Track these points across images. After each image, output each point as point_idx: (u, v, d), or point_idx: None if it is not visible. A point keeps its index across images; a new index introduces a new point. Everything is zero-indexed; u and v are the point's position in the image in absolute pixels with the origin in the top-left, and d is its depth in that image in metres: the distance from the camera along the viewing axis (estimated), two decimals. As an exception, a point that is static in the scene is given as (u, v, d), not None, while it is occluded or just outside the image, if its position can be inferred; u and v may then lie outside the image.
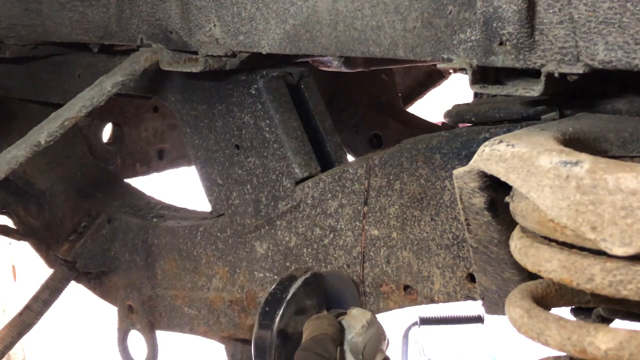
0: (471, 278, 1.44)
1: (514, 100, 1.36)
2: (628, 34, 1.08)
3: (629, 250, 0.90)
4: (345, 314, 1.49)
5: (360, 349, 1.44)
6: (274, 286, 1.52)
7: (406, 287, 1.54)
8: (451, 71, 2.47)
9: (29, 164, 1.67)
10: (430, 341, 4.62)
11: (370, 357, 1.45)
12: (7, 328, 2.15)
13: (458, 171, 1.14)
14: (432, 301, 1.53)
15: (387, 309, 1.61)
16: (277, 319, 1.46)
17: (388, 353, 1.46)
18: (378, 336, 1.47)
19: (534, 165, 1.01)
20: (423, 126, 2.53)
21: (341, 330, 1.45)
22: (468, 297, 1.47)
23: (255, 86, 1.69)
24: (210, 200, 1.85)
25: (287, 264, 1.72)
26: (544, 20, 1.16)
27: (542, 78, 1.17)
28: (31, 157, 1.62)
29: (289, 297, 1.47)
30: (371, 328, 1.46)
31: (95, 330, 4.75)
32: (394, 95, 2.68)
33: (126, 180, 2.33)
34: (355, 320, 1.47)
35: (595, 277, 0.93)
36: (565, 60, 1.15)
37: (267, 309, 1.48)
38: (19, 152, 1.61)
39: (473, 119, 1.43)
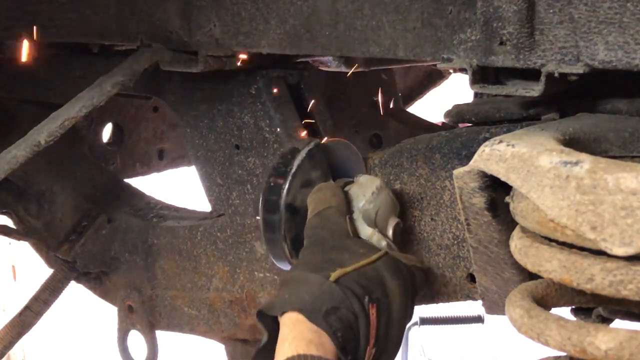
0: (471, 278, 1.44)
1: (514, 100, 1.36)
2: (628, 34, 1.08)
3: (629, 250, 0.90)
4: (352, 182, 1.44)
5: (372, 216, 1.39)
6: (277, 160, 1.46)
7: (406, 287, 1.54)
8: (451, 71, 2.47)
9: (29, 164, 1.67)
10: (430, 341, 4.62)
11: (383, 223, 1.40)
12: (7, 328, 2.15)
13: (458, 171, 1.14)
14: (432, 301, 1.53)
15: (387, 309, 1.61)
16: (284, 193, 1.41)
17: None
18: (389, 201, 1.42)
19: (534, 165, 1.01)
20: (423, 126, 2.52)
21: (348, 199, 1.40)
22: (468, 297, 1.47)
23: (255, 86, 1.69)
24: (210, 200, 1.85)
25: (287, 264, 1.72)
26: (544, 20, 1.16)
27: (542, 78, 1.17)
28: (31, 157, 1.62)
29: (293, 170, 1.42)
30: (381, 194, 1.41)
31: (95, 330, 4.75)
32: (394, 95, 2.67)
33: (126, 180, 2.32)
34: (364, 187, 1.41)
35: (596, 277, 0.93)
36: (565, 60, 1.15)
37: (272, 184, 1.43)
38: (19, 152, 1.61)
39: (473, 119, 1.43)
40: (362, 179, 1.44)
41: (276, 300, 1.23)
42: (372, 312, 1.21)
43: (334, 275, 1.22)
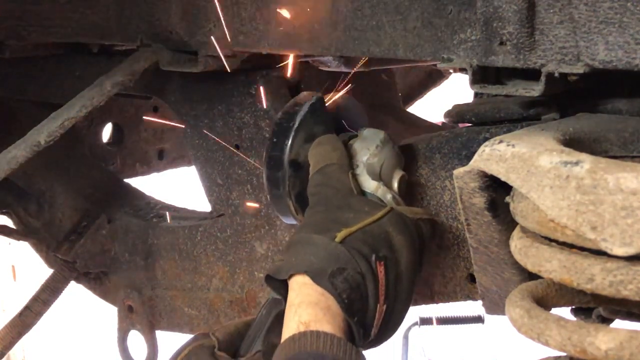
0: (471, 278, 1.44)
1: (514, 100, 1.36)
2: (628, 34, 1.08)
3: (630, 250, 0.90)
4: (356, 136, 1.43)
5: (377, 170, 1.37)
6: (279, 116, 1.44)
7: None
8: (451, 71, 2.47)
9: (29, 164, 1.67)
10: (430, 341, 4.63)
11: (388, 176, 1.39)
12: (7, 328, 2.15)
13: (458, 171, 1.14)
14: (432, 301, 1.53)
15: (387, 309, 1.60)
16: (287, 149, 1.40)
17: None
18: (394, 154, 1.40)
19: (534, 165, 1.01)
20: (423, 126, 2.52)
21: (353, 153, 1.38)
22: (468, 297, 1.47)
23: (255, 86, 1.69)
24: (210, 200, 1.85)
25: (287, 264, 1.72)
26: (544, 20, 1.16)
27: (543, 78, 1.17)
28: (31, 157, 1.62)
29: (296, 125, 1.40)
30: (386, 146, 1.39)
31: (95, 330, 4.75)
32: (394, 95, 2.67)
33: (126, 180, 2.32)
34: (368, 141, 1.40)
35: (596, 277, 0.93)
36: (565, 60, 1.15)
37: (275, 140, 1.41)
38: (19, 152, 1.61)
39: (473, 119, 1.43)
40: (366, 132, 1.42)
41: (283, 264, 1.22)
42: (380, 270, 1.20)
43: (339, 236, 1.21)
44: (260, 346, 1.23)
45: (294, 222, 1.46)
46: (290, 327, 1.12)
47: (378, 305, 1.19)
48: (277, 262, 1.24)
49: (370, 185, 1.36)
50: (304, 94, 1.47)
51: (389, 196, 1.36)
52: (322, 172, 1.35)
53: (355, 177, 1.36)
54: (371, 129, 1.44)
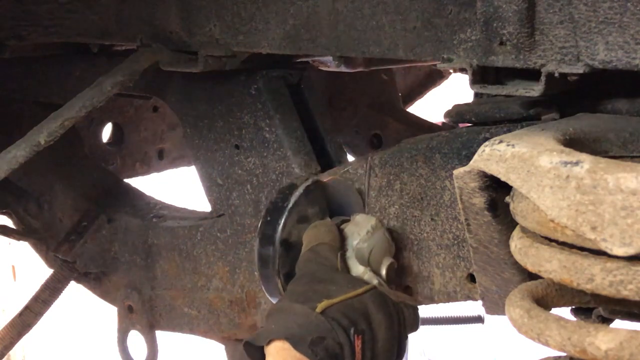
0: (471, 278, 1.44)
1: (514, 100, 1.36)
2: (628, 34, 1.08)
3: (629, 251, 0.90)
4: (349, 221, 1.45)
5: (366, 255, 1.39)
6: (274, 195, 1.48)
7: (406, 288, 1.54)
8: (451, 71, 2.47)
9: (29, 164, 1.67)
10: (430, 341, 4.63)
11: (377, 263, 1.40)
12: (7, 328, 2.14)
13: (458, 171, 1.14)
14: (432, 301, 1.53)
15: (387, 309, 1.60)
16: (280, 229, 1.43)
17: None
18: (384, 241, 1.43)
19: (534, 165, 1.01)
20: (423, 126, 2.52)
21: (343, 237, 1.41)
22: (468, 297, 1.47)
23: (255, 86, 1.69)
24: (210, 200, 1.85)
25: (287, 264, 1.72)
26: (544, 20, 1.16)
27: (543, 78, 1.17)
28: (31, 157, 1.62)
29: (290, 205, 1.44)
30: (376, 233, 1.41)
31: (95, 330, 4.75)
32: (394, 95, 2.67)
33: (126, 180, 2.32)
34: (359, 226, 1.42)
35: (596, 277, 0.93)
36: (565, 60, 1.15)
37: (268, 218, 1.45)
38: (18, 152, 1.61)
39: (473, 119, 1.43)
40: (359, 217, 1.45)
41: (262, 331, 1.24)
42: (358, 343, 1.22)
43: (320, 306, 1.23)
44: None
45: None
46: None
47: None
48: (258, 330, 1.26)
49: (357, 270, 1.39)
50: (301, 176, 1.52)
51: (375, 282, 1.38)
52: (313, 250, 1.37)
53: (344, 259, 1.38)
54: (363, 214, 1.47)
